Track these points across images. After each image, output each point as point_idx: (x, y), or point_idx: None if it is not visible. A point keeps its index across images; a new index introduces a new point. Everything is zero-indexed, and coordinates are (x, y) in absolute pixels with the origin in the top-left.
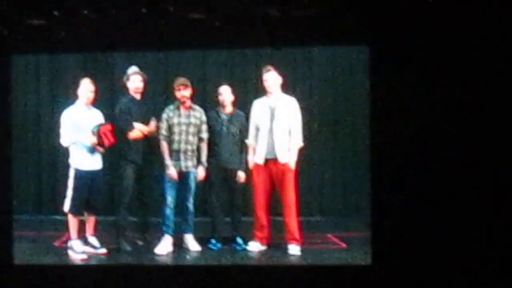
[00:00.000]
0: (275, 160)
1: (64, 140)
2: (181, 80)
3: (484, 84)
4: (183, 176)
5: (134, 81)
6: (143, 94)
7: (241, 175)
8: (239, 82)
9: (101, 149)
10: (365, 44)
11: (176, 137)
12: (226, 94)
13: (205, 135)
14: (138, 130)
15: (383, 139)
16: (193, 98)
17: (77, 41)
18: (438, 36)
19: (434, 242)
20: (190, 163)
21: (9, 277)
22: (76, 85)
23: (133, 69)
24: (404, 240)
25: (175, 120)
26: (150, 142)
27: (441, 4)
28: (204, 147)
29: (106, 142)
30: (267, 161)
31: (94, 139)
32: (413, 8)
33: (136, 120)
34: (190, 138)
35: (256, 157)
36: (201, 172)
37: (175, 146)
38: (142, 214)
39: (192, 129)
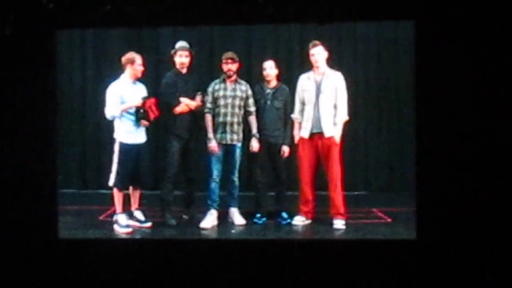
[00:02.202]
0: (320, 134)
1: (110, 113)
2: (229, 54)
3: None
4: (229, 149)
5: (181, 56)
6: (189, 68)
7: (286, 150)
8: (283, 57)
9: (146, 122)
10: (410, 19)
11: (222, 110)
12: (270, 68)
13: (253, 108)
14: (183, 104)
15: (428, 113)
16: (238, 73)
17: (123, 16)
18: (486, 9)
19: (479, 217)
20: (235, 136)
21: (54, 251)
22: (121, 59)
23: (180, 43)
24: (449, 214)
25: (221, 93)
26: (196, 116)
27: None
28: (254, 120)
29: (152, 115)
30: (312, 135)
31: (140, 102)
32: None
33: (182, 95)
34: (236, 110)
35: (301, 132)
36: (254, 144)
37: (220, 119)
38: (188, 188)
39: (237, 102)
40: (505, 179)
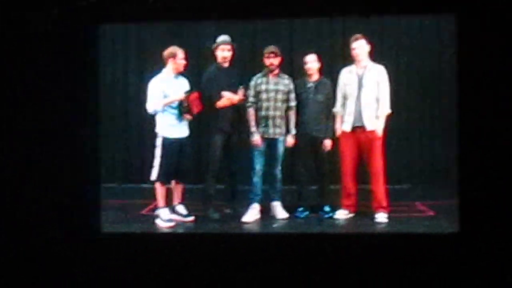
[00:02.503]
0: (362, 128)
1: (151, 107)
2: (271, 48)
3: None
4: (271, 143)
5: (223, 50)
6: (231, 62)
7: (328, 143)
8: (326, 50)
9: (189, 116)
10: (452, 12)
11: (264, 104)
12: (312, 62)
13: (293, 103)
14: (226, 98)
15: (471, 107)
16: (281, 67)
17: (165, 10)
18: None
19: None
20: (278, 130)
21: (97, 244)
22: (163, 54)
23: (222, 37)
24: (492, 207)
25: (263, 87)
26: (239, 110)
27: None
28: (293, 115)
29: (195, 110)
30: (354, 129)
31: (183, 95)
32: None
33: (224, 89)
34: (279, 104)
35: (343, 125)
36: (290, 139)
37: (263, 112)
38: (230, 182)
39: (280, 96)
40: None
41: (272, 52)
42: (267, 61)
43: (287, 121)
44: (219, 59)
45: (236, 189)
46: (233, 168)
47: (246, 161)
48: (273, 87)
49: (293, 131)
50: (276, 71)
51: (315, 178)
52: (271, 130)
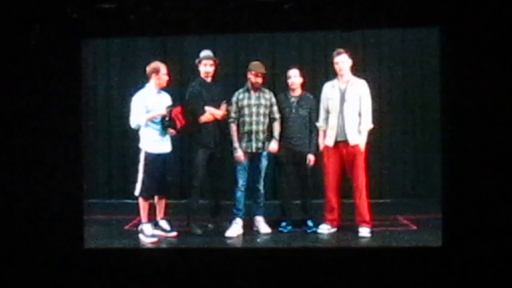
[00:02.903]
0: (345, 142)
1: (134, 122)
2: (259, 67)
3: None
4: (254, 158)
5: (205, 65)
6: (213, 77)
7: (311, 158)
8: (308, 65)
9: (173, 131)
10: (436, 25)
11: (247, 119)
12: (295, 77)
13: (277, 115)
14: (209, 113)
15: (454, 120)
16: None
17: (147, 25)
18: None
19: (505, 223)
20: (260, 145)
21: (80, 260)
22: (146, 69)
23: (205, 52)
24: (475, 221)
25: (245, 102)
26: (221, 125)
27: None
28: (277, 126)
29: (179, 124)
30: (337, 143)
31: (166, 113)
32: None
33: (207, 104)
34: (261, 118)
35: (326, 140)
36: (273, 145)
37: (246, 127)
38: (214, 197)
39: (262, 110)
40: None
41: (260, 72)
42: (253, 79)
43: (270, 134)
44: (202, 74)
45: (219, 204)
46: (216, 183)
47: (229, 176)
48: (255, 101)
49: (277, 137)
50: (259, 87)
51: (298, 193)
52: (254, 145)
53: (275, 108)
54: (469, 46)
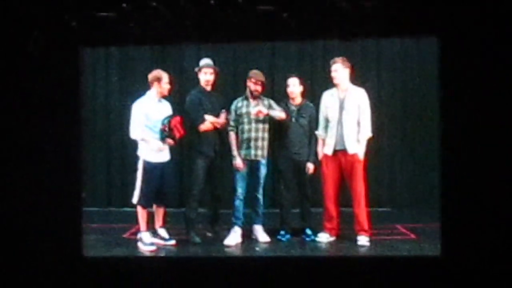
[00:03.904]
0: (344, 151)
1: (134, 133)
2: (259, 75)
3: None
4: (253, 165)
5: (205, 74)
6: (213, 86)
7: (310, 167)
8: (307, 73)
9: (171, 141)
10: (434, 35)
11: (246, 126)
12: (294, 85)
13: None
14: (208, 122)
15: (453, 130)
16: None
17: (146, 34)
18: (510, 26)
19: (505, 233)
20: (260, 152)
21: (79, 269)
22: (146, 77)
23: (205, 61)
24: (474, 231)
25: (244, 110)
26: (221, 134)
27: None
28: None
29: (177, 135)
30: (336, 152)
31: (160, 144)
32: None
33: (207, 112)
34: (260, 126)
35: (325, 149)
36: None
37: (245, 135)
38: (213, 206)
39: (261, 118)
40: None
41: (260, 81)
42: (252, 87)
43: (268, 144)
44: (202, 83)
45: (218, 213)
46: (216, 192)
47: (228, 185)
48: (253, 109)
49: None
50: (257, 95)
51: (297, 201)
52: (253, 152)
53: (276, 108)
54: (467, 56)
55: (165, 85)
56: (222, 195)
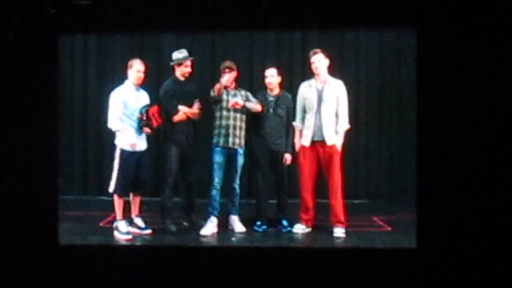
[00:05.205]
0: (322, 142)
1: (112, 123)
2: (226, 63)
3: None
4: (230, 154)
5: (186, 66)
6: (187, 76)
7: (288, 157)
8: (285, 64)
9: (149, 130)
10: (412, 26)
11: (224, 113)
12: (272, 76)
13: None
14: (182, 112)
15: (430, 122)
16: (239, 81)
17: (125, 22)
18: (488, 18)
19: (480, 224)
20: (237, 140)
21: (55, 257)
22: (124, 65)
23: (184, 53)
24: (449, 223)
25: (224, 97)
26: (194, 122)
27: None
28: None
29: (155, 123)
30: (314, 143)
31: (135, 139)
32: None
33: (181, 102)
34: (238, 114)
35: (303, 139)
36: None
37: (223, 122)
38: (187, 195)
39: (238, 108)
40: (506, 187)
41: (227, 67)
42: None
43: (246, 132)
44: (183, 75)
45: (193, 201)
46: (190, 180)
47: (202, 174)
48: (231, 97)
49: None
50: (233, 86)
51: (274, 192)
52: (230, 140)
53: (253, 100)
54: (445, 48)
55: (135, 73)
56: (198, 184)
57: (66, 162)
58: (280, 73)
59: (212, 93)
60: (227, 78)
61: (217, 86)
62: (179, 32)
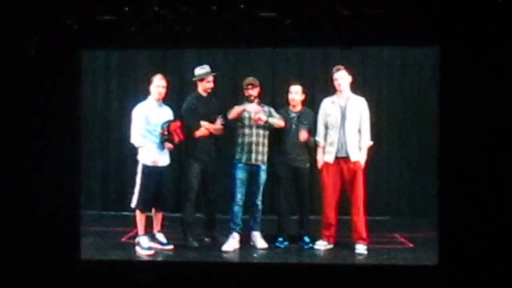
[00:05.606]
0: (346, 158)
1: (135, 139)
2: (249, 79)
3: None
4: (253, 170)
5: (209, 82)
6: (210, 92)
7: (304, 134)
8: (307, 80)
9: (171, 145)
10: (435, 44)
11: (246, 130)
12: (296, 93)
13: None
14: (204, 128)
15: (452, 139)
16: (261, 97)
17: (147, 37)
18: (510, 35)
19: (501, 243)
20: (260, 157)
21: (76, 271)
22: (146, 81)
23: (205, 69)
24: (471, 240)
25: (246, 114)
26: (216, 139)
27: None
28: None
29: (176, 139)
30: (337, 159)
31: (157, 156)
32: (483, 7)
33: (202, 118)
34: (261, 131)
35: (326, 156)
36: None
37: (246, 139)
38: (208, 211)
39: (261, 124)
40: None
41: (250, 84)
42: (246, 93)
43: (269, 147)
44: (205, 90)
45: (214, 217)
46: (211, 197)
47: (226, 190)
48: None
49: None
50: (256, 101)
51: (295, 208)
52: (253, 156)
53: (276, 116)
54: (467, 64)
55: (156, 88)
56: (220, 200)
57: (88, 177)
58: (304, 90)
59: (228, 115)
60: (255, 108)
61: (238, 110)
62: (201, 49)
